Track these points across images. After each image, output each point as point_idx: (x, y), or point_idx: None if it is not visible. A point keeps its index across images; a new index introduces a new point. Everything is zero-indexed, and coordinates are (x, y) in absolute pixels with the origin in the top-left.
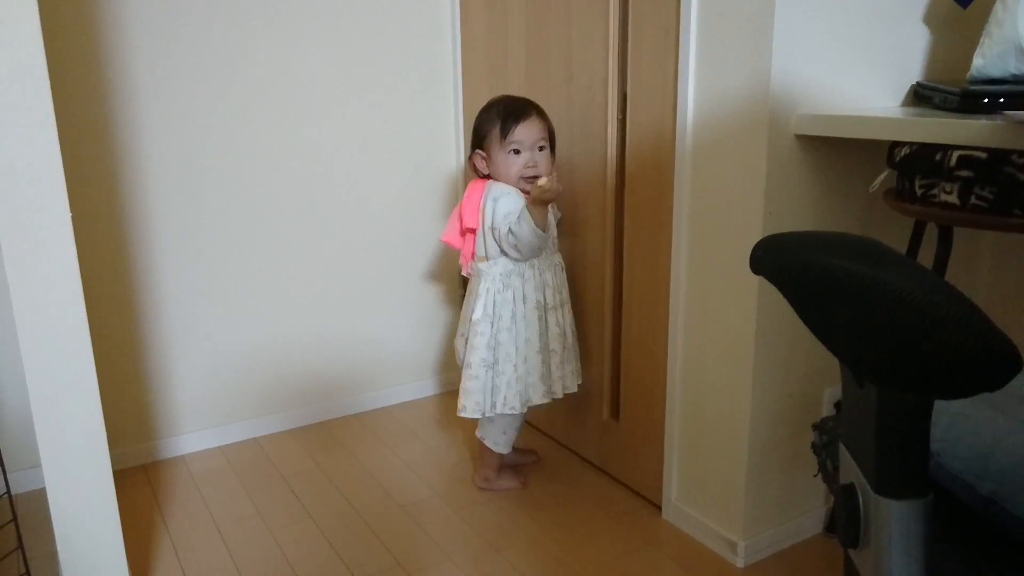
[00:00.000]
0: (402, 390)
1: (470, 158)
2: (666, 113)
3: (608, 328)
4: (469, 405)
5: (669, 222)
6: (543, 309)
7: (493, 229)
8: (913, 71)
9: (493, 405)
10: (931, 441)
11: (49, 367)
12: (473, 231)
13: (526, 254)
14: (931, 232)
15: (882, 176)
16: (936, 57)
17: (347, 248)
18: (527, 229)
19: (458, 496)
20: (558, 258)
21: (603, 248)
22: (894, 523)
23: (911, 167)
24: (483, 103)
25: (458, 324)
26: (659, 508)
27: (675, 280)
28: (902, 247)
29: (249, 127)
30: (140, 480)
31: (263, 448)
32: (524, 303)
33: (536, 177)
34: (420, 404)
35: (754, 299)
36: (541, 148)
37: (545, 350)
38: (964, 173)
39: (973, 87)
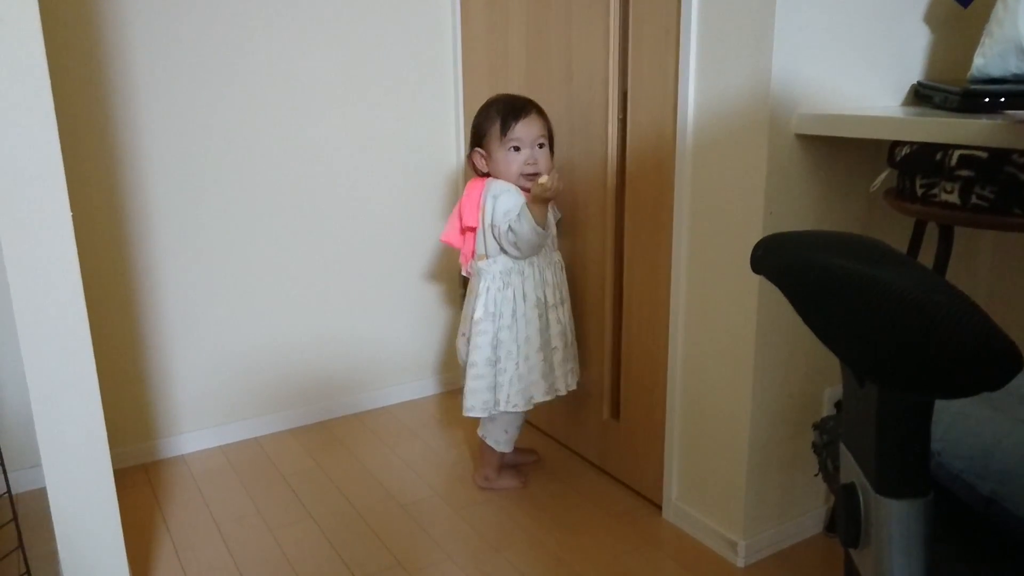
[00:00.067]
0: (402, 390)
1: (469, 156)
2: (666, 113)
3: (608, 328)
4: (477, 404)
5: (669, 222)
6: (543, 307)
7: (493, 226)
8: (914, 70)
9: (496, 403)
10: (932, 441)
11: (49, 366)
12: (473, 230)
13: (525, 252)
14: (932, 232)
15: (883, 175)
16: (937, 56)
17: (347, 248)
18: (527, 226)
19: (458, 496)
20: (557, 256)
21: (603, 248)
22: (895, 523)
23: (912, 166)
24: (483, 103)
25: (459, 324)
26: (659, 508)
27: (675, 280)
28: (903, 247)
29: (249, 127)
30: (140, 479)
31: (263, 448)
32: (524, 301)
33: (536, 174)
34: (420, 404)
35: (755, 299)
36: (541, 145)
37: (547, 347)
38: (965, 173)
39: (974, 86)
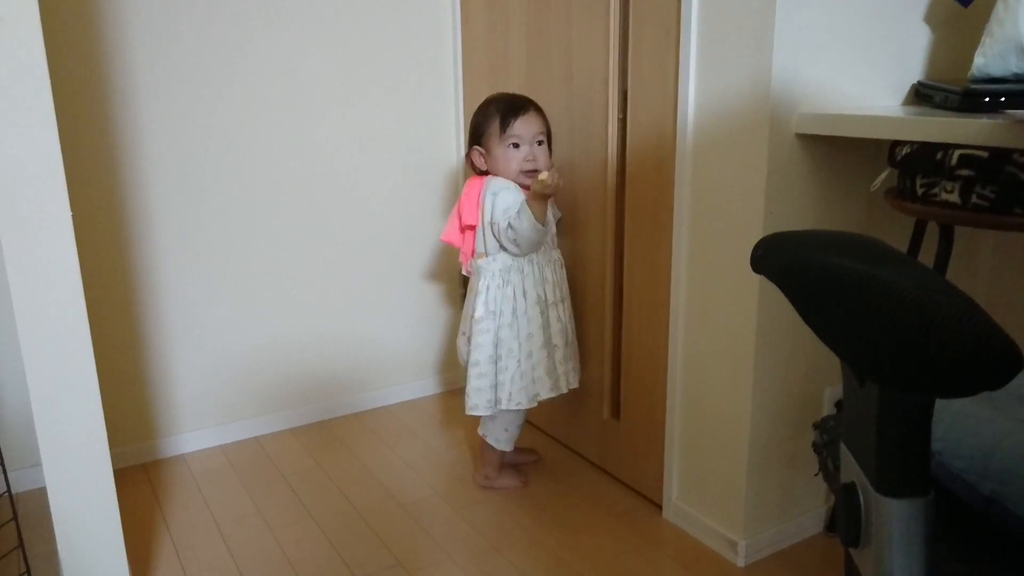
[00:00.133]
0: (402, 389)
1: (468, 155)
2: (667, 112)
3: (609, 327)
4: (480, 403)
5: (670, 221)
6: (544, 304)
7: (492, 224)
8: (914, 70)
9: (498, 401)
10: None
11: (49, 366)
12: (472, 228)
13: (525, 249)
14: (932, 231)
15: (883, 175)
16: (937, 56)
17: (347, 247)
18: (527, 223)
19: (458, 495)
20: (557, 254)
21: (603, 247)
22: (895, 522)
23: (912, 166)
24: (481, 102)
25: (459, 323)
26: (659, 507)
27: (675, 279)
28: (903, 246)
29: (249, 127)
30: (140, 479)
31: (263, 447)
32: (525, 298)
33: (535, 171)
34: (420, 403)
35: (755, 298)
36: (540, 143)
37: (548, 344)
38: (965, 172)
39: (974, 86)
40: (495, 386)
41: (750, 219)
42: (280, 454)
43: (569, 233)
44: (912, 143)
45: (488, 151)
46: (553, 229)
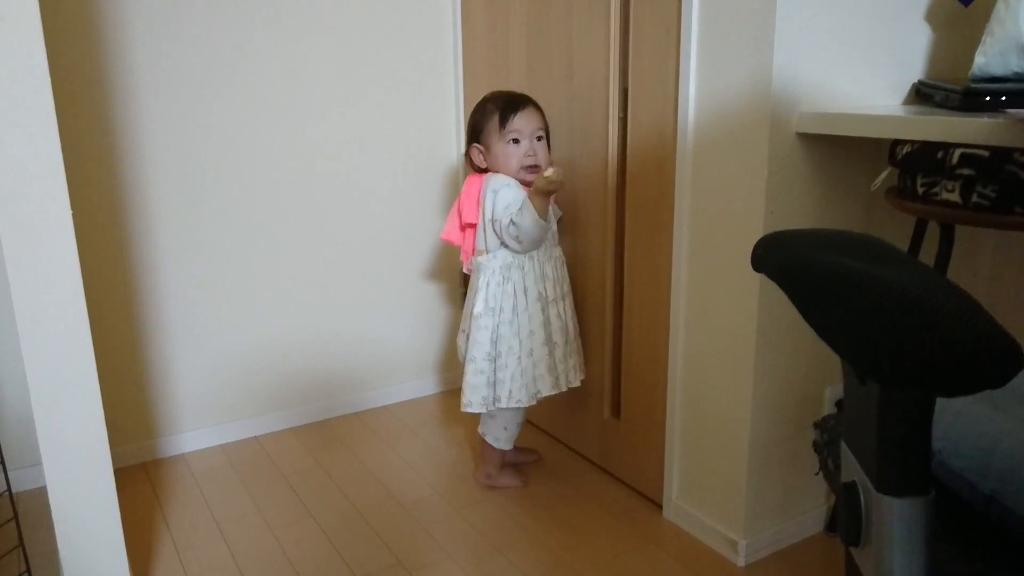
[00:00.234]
0: (403, 388)
1: (467, 153)
2: (667, 111)
3: (609, 327)
4: (475, 400)
5: (670, 221)
6: (544, 301)
7: (494, 221)
8: (914, 69)
9: (497, 399)
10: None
11: (50, 365)
12: (473, 226)
13: (527, 245)
14: (933, 231)
15: (883, 174)
16: (938, 55)
17: (348, 247)
18: (529, 219)
19: (458, 495)
20: (558, 251)
21: (604, 247)
22: (896, 521)
23: (913, 165)
24: (479, 100)
25: (459, 322)
26: (660, 507)
27: (676, 279)
28: (903, 246)
29: (250, 126)
30: (141, 478)
31: (264, 446)
32: (525, 295)
33: (535, 166)
34: (421, 403)
35: (755, 297)
36: (539, 138)
37: (549, 342)
38: (966, 171)
39: (975, 85)
40: (493, 384)
41: (751, 218)
42: (280, 453)
43: (570, 232)
44: (913, 142)
45: (487, 148)
46: (554, 226)
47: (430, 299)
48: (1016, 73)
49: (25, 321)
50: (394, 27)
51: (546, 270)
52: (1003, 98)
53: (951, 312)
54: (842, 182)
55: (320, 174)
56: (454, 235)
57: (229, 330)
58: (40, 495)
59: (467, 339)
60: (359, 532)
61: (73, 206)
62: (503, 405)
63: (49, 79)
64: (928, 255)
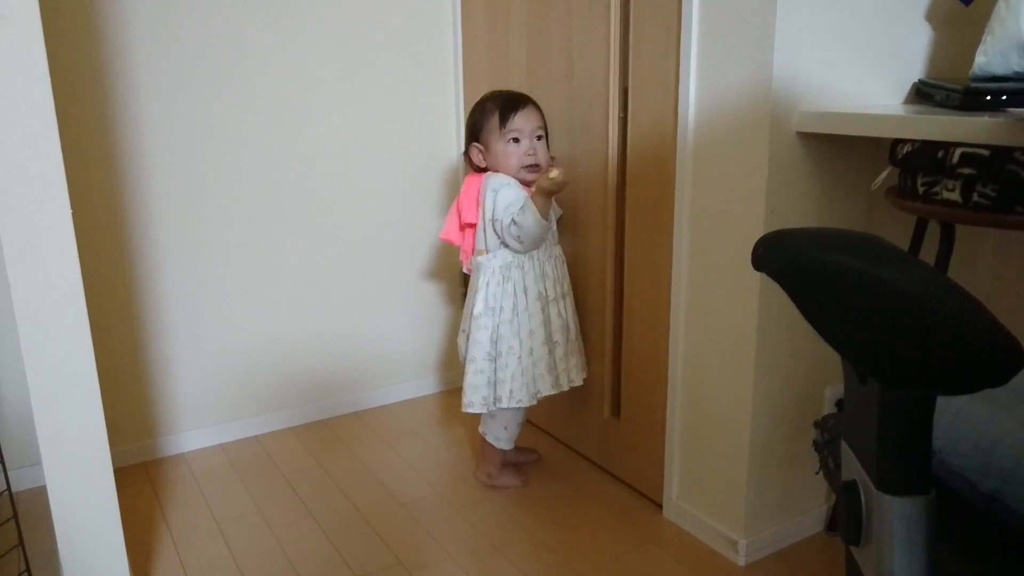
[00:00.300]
0: (403, 388)
1: (466, 152)
2: (667, 111)
3: (609, 326)
4: (476, 401)
5: (670, 220)
6: (544, 300)
7: (494, 220)
8: (915, 68)
9: (498, 399)
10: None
11: (50, 365)
12: (472, 226)
13: (528, 245)
14: (933, 230)
15: (884, 174)
16: (938, 54)
17: (348, 246)
18: (532, 219)
19: (459, 494)
20: (558, 250)
21: (604, 246)
22: (896, 520)
23: (913, 165)
24: (477, 99)
25: (460, 321)
26: (660, 506)
27: (676, 278)
28: (904, 245)
29: (250, 126)
30: (141, 478)
31: (264, 446)
32: (526, 295)
33: (535, 165)
34: (421, 402)
35: (755, 297)
36: (539, 137)
37: (549, 341)
38: (966, 171)
39: (975, 84)
40: (494, 384)
41: (751, 217)
42: (280, 453)
43: (570, 232)
44: (913, 141)
45: (487, 147)
46: (554, 225)
47: (430, 299)
48: (1017, 72)
49: (25, 321)
50: (394, 27)
51: (546, 269)
52: (1004, 97)
53: (952, 311)
54: (842, 181)
55: (320, 174)
56: (453, 235)
57: (229, 330)
58: (40, 495)
59: (467, 339)
60: (359, 532)
61: (73, 206)
62: (504, 405)
63: (49, 79)
64: (929, 254)
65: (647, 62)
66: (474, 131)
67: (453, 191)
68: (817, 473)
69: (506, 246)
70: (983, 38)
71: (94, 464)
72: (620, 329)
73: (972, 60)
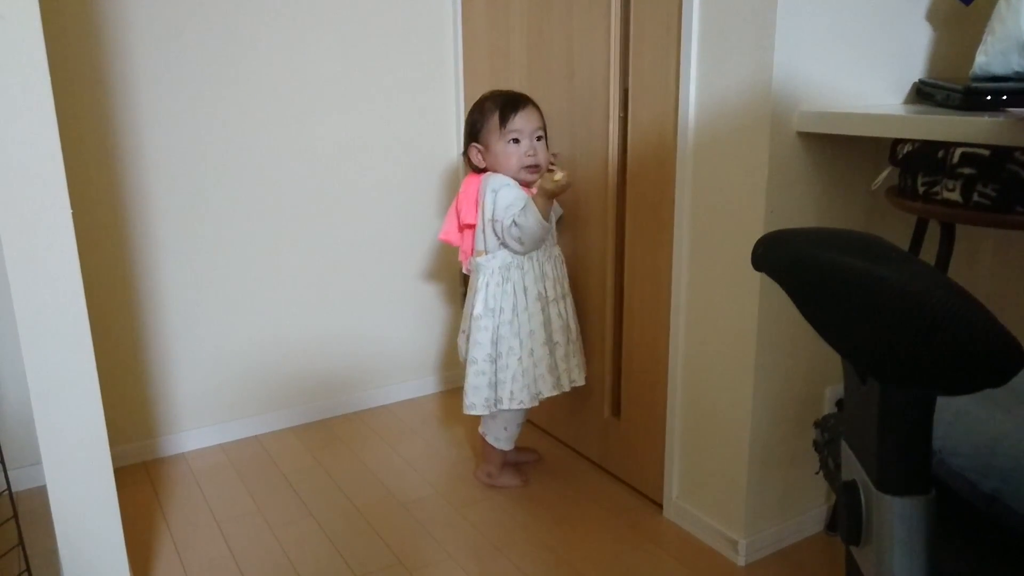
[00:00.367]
0: (403, 388)
1: (465, 152)
2: (668, 111)
3: (609, 326)
4: (478, 402)
5: (671, 220)
6: (544, 301)
7: (494, 221)
8: (915, 68)
9: (498, 400)
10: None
11: (50, 364)
12: (471, 227)
13: (529, 246)
14: (933, 230)
15: (884, 173)
16: (938, 54)
17: (348, 246)
18: (532, 220)
19: (459, 494)
20: (557, 251)
21: (604, 245)
22: (896, 520)
23: (913, 164)
24: (477, 100)
25: (460, 322)
26: (660, 506)
27: (676, 278)
28: (904, 245)
29: (250, 125)
30: (141, 477)
31: (264, 446)
32: (525, 295)
33: (536, 166)
34: (421, 402)
35: (756, 297)
36: (539, 137)
37: (550, 342)
38: (967, 170)
39: (976, 84)
40: (495, 385)
41: (751, 217)
42: (281, 453)
43: (570, 232)
44: (913, 141)
45: (487, 147)
46: (554, 226)
47: (430, 299)
48: (1017, 72)
49: (25, 321)
50: (394, 28)
51: (546, 269)
52: (1004, 97)
53: (952, 311)
54: (842, 181)
55: (320, 174)
56: (452, 235)
57: (229, 330)
58: (40, 494)
59: (467, 340)
60: (359, 531)
61: (73, 206)
62: (504, 407)
63: (49, 79)
64: (929, 254)
65: (647, 62)
66: (474, 131)
67: (453, 191)
68: (817, 473)
69: (506, 247)
70: (983, 38)
71: (94, 464)
72: (620, 329)
73: (972, 60)
